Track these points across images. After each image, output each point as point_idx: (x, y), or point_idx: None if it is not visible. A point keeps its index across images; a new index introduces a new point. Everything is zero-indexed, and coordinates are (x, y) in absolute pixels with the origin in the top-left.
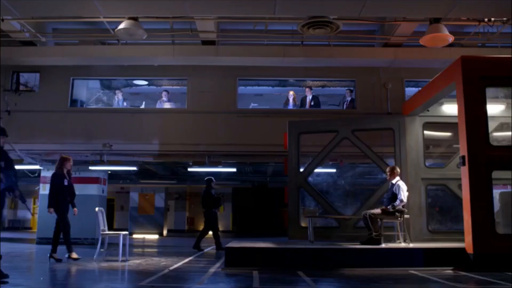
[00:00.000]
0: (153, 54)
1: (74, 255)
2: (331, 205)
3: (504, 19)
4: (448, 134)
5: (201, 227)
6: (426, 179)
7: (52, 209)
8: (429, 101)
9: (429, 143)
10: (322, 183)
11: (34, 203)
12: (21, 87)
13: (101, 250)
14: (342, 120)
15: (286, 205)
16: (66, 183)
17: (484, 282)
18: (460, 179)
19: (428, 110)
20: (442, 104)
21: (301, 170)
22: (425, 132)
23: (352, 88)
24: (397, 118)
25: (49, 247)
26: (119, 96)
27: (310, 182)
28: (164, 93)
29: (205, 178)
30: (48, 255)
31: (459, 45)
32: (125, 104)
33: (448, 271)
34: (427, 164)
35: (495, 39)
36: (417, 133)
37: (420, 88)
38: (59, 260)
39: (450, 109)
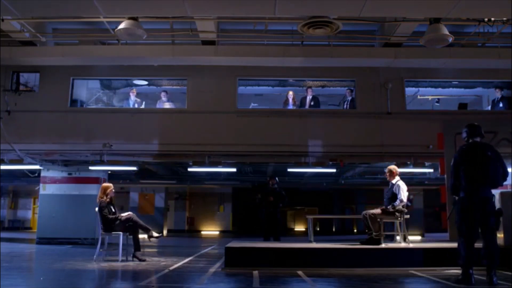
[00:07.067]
0: (153, 54)
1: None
2: None
3: (504, 19)
4: None
5: (200, 227)
6: None
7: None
8: None
9: None
10: None
11: (34, 203)
12: (21, 87)
13: (101, 250)
14: (500, 121)
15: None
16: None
17: (484, 282)
18: None
19: None
20: None
21: None
22: None
23: (352, 88)
24: None
25: (49, 247)
26: (132, 96)
27: None
28: (163, 93)
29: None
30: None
31: (459, 45)
32: (136, 105)
33: (449, 271)
34: None
35: (495, 39)
36: None
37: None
38: (143, 260)
39: None
